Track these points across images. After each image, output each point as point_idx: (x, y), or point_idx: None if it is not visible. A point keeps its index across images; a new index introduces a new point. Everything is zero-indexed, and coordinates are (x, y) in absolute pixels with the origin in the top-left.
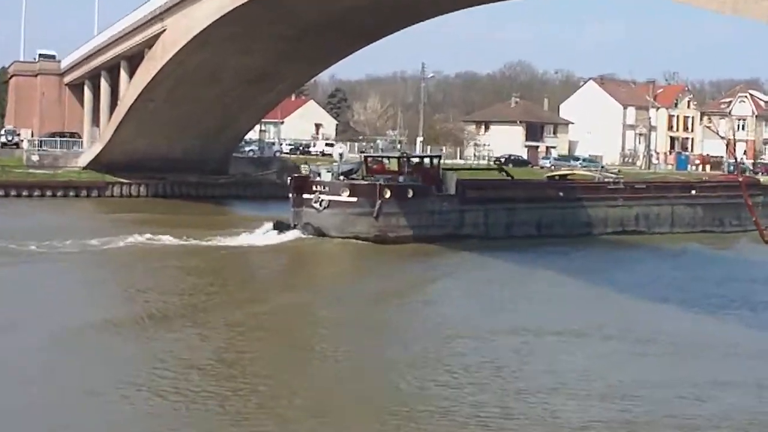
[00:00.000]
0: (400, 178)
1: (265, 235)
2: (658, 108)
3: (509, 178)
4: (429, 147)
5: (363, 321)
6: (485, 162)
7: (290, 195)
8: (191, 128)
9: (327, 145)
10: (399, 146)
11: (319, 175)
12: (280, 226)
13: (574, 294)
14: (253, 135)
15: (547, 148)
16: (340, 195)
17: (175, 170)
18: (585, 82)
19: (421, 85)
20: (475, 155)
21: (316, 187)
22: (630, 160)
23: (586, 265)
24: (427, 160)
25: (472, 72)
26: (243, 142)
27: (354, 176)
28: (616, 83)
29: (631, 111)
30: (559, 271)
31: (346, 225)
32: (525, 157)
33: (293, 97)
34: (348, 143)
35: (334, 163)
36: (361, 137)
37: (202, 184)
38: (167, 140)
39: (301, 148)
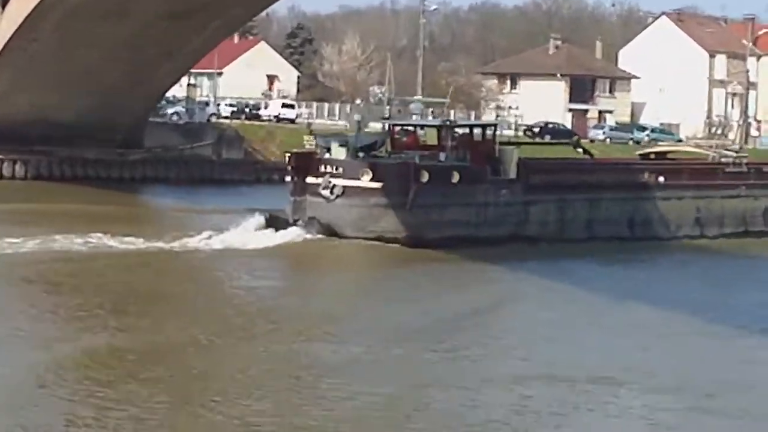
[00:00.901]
0: (442, 156)
1: (253, 235)
2: (759, 56)
3: (588, 156)
4: (432, 111)
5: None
6: (511, 133)
7: (288, 178)
8: (89, 81)
9: (285, 106)
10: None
11: (329, 150)
12: (275, 222)
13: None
14: (178, 92)
15: (601, 113)
16: (358, 179)
17: (66, 141)
18: (655, 19)
19: (420, 22)
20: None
21: (326, 168)
22: (719, 131)
23: (721, 284)
24: (477, 131)
25: (493, 3)
26: (164, 103)
27: (377, 152)
28: (700, 20)
29: (721, 60)
30: (686, 300)
31: (367, 221)
32: (568, 125)
33: (236, 38)
34: (316, 105)
35: (350, 135)
36: (343, 98)
37: (104, 162)
38: (55, 98)
39: (247, 110)
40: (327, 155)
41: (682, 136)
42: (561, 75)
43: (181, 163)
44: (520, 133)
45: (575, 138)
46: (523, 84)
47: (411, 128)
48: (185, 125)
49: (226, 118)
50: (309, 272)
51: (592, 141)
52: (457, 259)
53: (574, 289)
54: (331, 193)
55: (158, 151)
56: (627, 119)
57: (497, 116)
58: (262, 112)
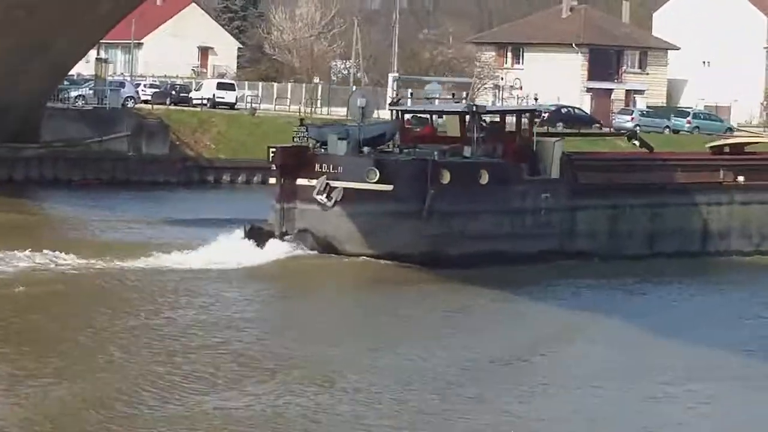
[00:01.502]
0: (466, 151)
1: (229, 251)
2: None
3: (648, 149)
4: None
5: None
6: None
7: (273, 180)
8: None
9: (223, 87)
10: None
11: (325, 144)
12: (257, 236)
13: None
14: (84, 69)
15: (629, 93)
16: (363, 180)
17: None
18: None
19: None
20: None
21: (321, 167)
22: None
23: None
24: (511, 119)
25: None
26: (66, 83)
27: (385, 147)
28: None
29: None
30: None
31: (374, 234)
32: (586, 109)
33: (159, 0)
34: (262, 85)
35: (351, 125)
36: (297, 76)
37: None
38: None
39: (173, 92)
40: (322, 151)
41: (733, 122)
42: (577, 45)
43: (89, 161)
44: None
45: (632, 130)
46: (529, 57)
47: (427, 116)
48: (94, 112)
49: (146, 102)
50: (300, 302)
51: (618, 130)
52: (486, 282)
53: (642, 323)
54: (328, 198)
55: (59, 146)
56: (663, 100)
57: (494, 100)
58: (192, 94)
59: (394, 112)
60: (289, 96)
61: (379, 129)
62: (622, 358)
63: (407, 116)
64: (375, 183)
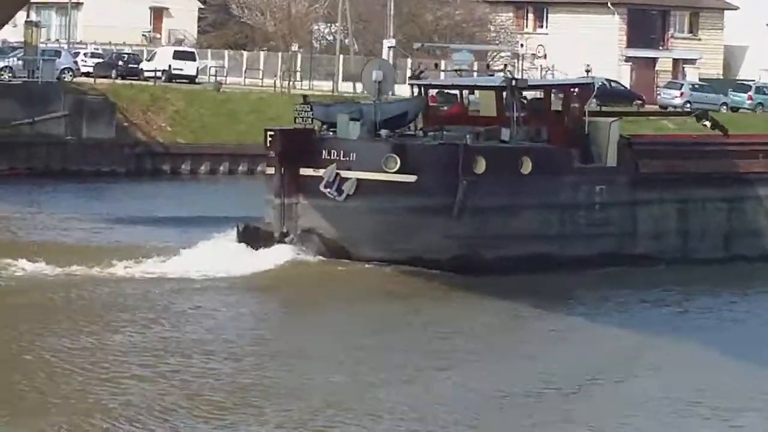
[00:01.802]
0: (505, 134)
1: (217, 256)
2: None
3: (721, 132)
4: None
5: None
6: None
7: (271, 170)
8: None
9: (179, 56)
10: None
11: (334, 127)
12: (253, 237)
13: None
14: (11, 35)
15: (677, 63)
16: (381, 169)
17: None
18: None
19: None
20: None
21: (330, 154)
22: None
23: None
24: (558, 96)
25: None
26: None
27: (407, 129)
28: None
29: None
30: None
31: (394, 235)
32: (625, 82)
33: None
34: (228, 54)
35: (365, 103)
36: (271, 43)
37: None
38: None
39: (121, 63)
40: (330, 134)
41: None
42: (613, 4)
43: (18, 147)
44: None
45: (702, 109)
46: (555, 19)
47: (456, 92)
48: (23, 87)
49: (87, 75)
50: (303, 320)
51: (664, 108)
52: (530, 293)
53: (723, 342)
54: (339, 191)
55: None
56: (718, 73)
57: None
58: (144, 66)
59: (416, 87)
60: (261, 67)
61: (400, 107)
62: (711, 382)
63: (432, 92)
64: (395, 173)
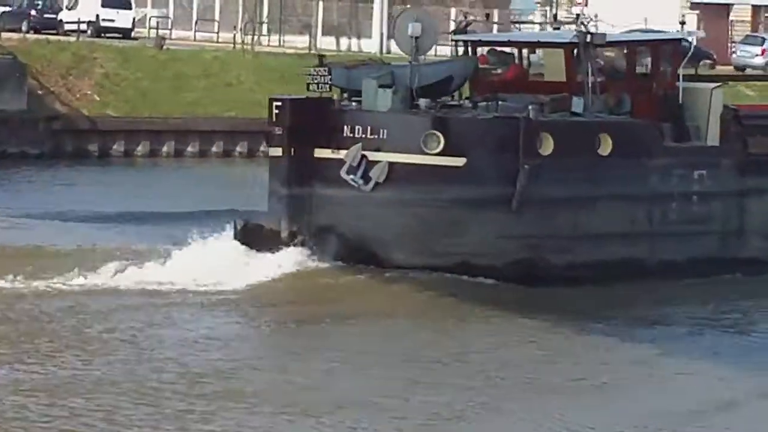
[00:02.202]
0: (577, 104)
1: (207, 262)
2: None
3: None
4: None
5: None
6: None
7: (277, 150)
8: None
9: (109, 4)
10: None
11: (357, 96)
12: (254, 238)
13: None
14: None
15: (758, 10)
16: (420, 150)
17: None
18: None
19: None
20: None
21: (353, 130)
22: None
23: None
24: (643, 55)
25: None
26: None
27: (450, 99)
28: None
29: None
30: None
31: (436, 234)
32: (692, 39)
33: None
34: (174, 1)
35: (398, 65)
36: None
37: None
38: None
39: (33, 13)
40: (353, 105)
41: None
42: None
43: None
44: None
45: None
46: None
47: (513, 50)
48: None
49: None
50: (319, 349)
51: (741, 70)
52: (613, 307)
53: None
54: (365, 179)
55: None
56: None
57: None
58: (64, 15)
59: (461, 44)
60: (217, 17)
61: (443, 70)
62: None
63: (481, 51)
64: (438, 155)
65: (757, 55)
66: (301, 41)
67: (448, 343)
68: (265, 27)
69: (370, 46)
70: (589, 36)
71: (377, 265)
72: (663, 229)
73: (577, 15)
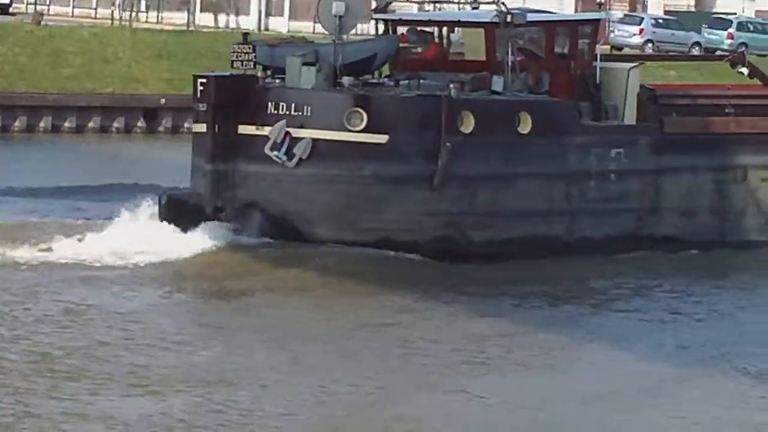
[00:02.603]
0: (496, 83)
1: (131, 235)
2: None
3: (763, 82)
4: None
5: None
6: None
7: (202, 127)
8: None
9: None
10: None
11: (281, 73)
12: (179, 213)
13: None
14: None
15: None
16: (343, 127)
17: None
18: None
19: None
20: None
21: (276, 108)
22: None
23: None
24: (562, 35)
25: None
26: None
27: (373, 77)
28: None
29: None
30: None
31: (359, 210)
32: (608, 20)
33: None
34: None
35: (321, 44)
36: None
37: None
38: None
39: None
40: (277, 82)
41: None
42: None
43: None
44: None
45: (737, 51)
46: None
47: (432, 29)
48: None
49: None
50: (232, 331)
51: (618, 49)
52: (533, 285)
53: None
54: (289, 155)
55: None
56: (688, 5)
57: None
58: None
59: (381, 23)
60: None
61: (367, 49)
62: None
63: (401, 29)
64: (361, 131)
65: (634, 35)
66: (179, 18)
67: (364, 315)
68: (143, 3)
69: (248, 23)
70: (509, 16)
71: (301, 241)
72: (581, 207)
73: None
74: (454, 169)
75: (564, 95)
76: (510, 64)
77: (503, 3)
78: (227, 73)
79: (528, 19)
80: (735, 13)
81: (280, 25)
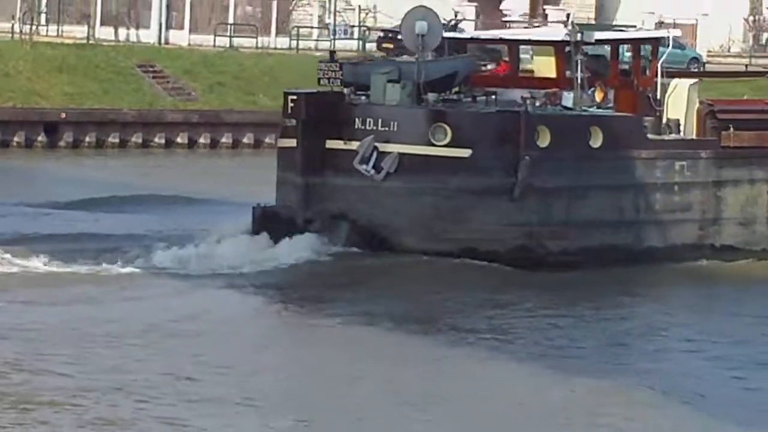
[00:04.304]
0: (567, 99)
1: (226, 249)
2: None
3: None
4: None
5: None
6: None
7: (286, 142)
8: None
9: None
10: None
11: (367, 90)
12: (271, 224)
13: None
14: None
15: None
16: (428, 142)
17: None
18: None
19: None
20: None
21: (364, 123)
22: None
23: None
24: (625, 53)
25: None
26: None
27: (453, 93)
28: None
29: None
30: None
31: (443, 221)
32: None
33: None
34: None
35: (404, 61)
36: None
37: None
38: None
39: None
40: (364, 99)
41: (700, 50)
42: None
43: None
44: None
45: None
46: None
47: (501, 48)
48: None
49: None
50: (319, 335)
51: None
52: (613, 293)
53: None
54: (377, 168)
55: None
56: (589, 17)
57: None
58: None
59: (450, 42)
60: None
61: (449, 66)
62: None
63: (469, 48)
64: (445, 146)
65: None
66: (79, 31)
67: (465, 322)
68: (43, 17)
69: (148, 36)
70: (579, 34)
71: (387, 250)
72: (647, 217)
73: (568, 15)
74: (532, 181)
75: (628, 110)
76: (579, 80)
77: (573, 23)
78: (316, 90)
79: (596, 38)
80: (635, 26)
81: (181, 38)
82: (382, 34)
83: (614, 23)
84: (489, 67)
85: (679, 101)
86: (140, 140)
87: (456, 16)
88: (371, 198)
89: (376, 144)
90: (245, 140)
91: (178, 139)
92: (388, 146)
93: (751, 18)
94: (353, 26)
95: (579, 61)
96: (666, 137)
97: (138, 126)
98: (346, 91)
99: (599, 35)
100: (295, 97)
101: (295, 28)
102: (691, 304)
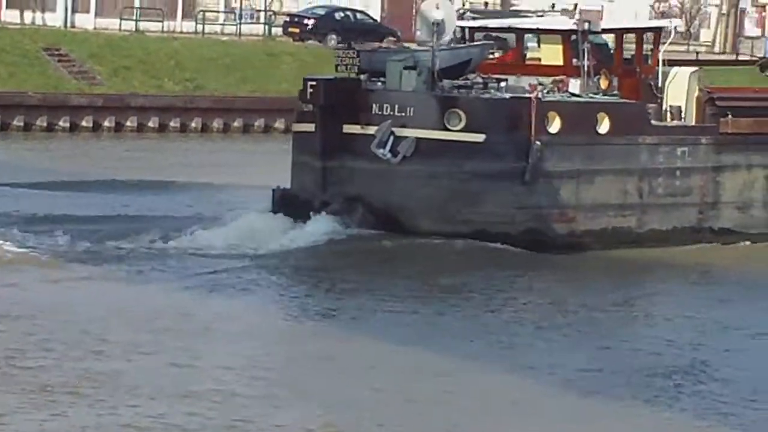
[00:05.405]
0: (574, 86)
1: (247, 231)
2: None
3: None
4: None
5: None
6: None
7: (303, 126)
8: None
9: None
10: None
11: (382, 77)
12: (290, 206)
13: None
14: None
15: None
16: (444, 127)
17: None
18: None
19: None
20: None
21: (381, 109)
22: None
23: None
24: (629, 38)
25: None
26: None
27: (468, 78)
28: None
29: None
30: None
31: (457, 203)
32: (375, 14)
33: None
34: None
35: (419, 50)
36: None
37: None
38: None
39: None
40: (380, 85)
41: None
42: None
43: None
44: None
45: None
46: None
47: (507, 36)
48: None
49: None
50: (341, 314)
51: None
52: (625, 276)
53: None
54: (393, 152)
55: None
56: (494, 3)
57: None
58: None
59: (461, 30)
60: None
61: (463, 54)
62: None
63: (477, 36)
64: (460, 131)
65: None
66: (35, 17)
67: (486, 305)
68: None
69: (54, 19)
70: (586, 23)
71: (402, 232)
72: (650, 201)
73: (575, 5)
74: (544, 166)
75: (632, 98)
76: (586, 68)
77: (580, 12)
78: (333, 77)
79: (602, 27)
80: (541, 12)
81: (86, 22)
82: (288, 19)
83: (517, 8)
84: (496, 54)
85: (679, 89)
86: (45, 123)
87: (463, 5)
88: (387, 181)
89: (393, 129)
90: (150, 124)
91: (83, 123)
92: (405, 131)
93: (657, 5)
94: (259, 11)
95: (585, 49)
96: (668, 123)
97: (43, 109)
98: (362, 77)
99: (605, 24)
100: (314, 83)
101: (201, 12)
102: (692, 284)
